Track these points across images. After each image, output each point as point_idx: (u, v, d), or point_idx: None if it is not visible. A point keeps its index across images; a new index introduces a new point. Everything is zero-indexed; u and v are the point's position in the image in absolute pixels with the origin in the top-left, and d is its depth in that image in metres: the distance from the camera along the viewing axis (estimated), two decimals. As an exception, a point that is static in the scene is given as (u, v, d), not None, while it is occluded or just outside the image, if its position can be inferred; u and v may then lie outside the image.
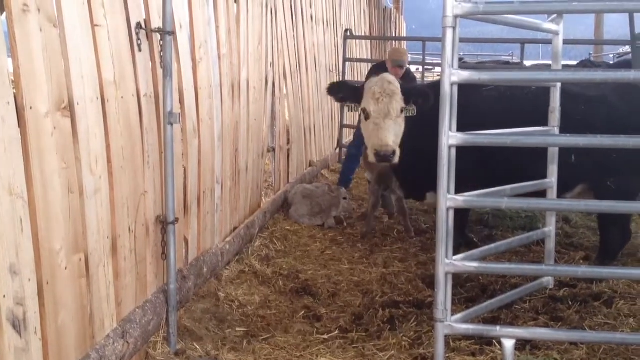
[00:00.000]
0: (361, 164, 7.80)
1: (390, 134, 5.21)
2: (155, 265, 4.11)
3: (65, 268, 3.05)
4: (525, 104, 5.24)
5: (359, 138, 7.87)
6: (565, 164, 4.74)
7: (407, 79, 7.86)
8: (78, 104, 3.14)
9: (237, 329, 4.44)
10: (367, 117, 5.38)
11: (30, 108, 2.75)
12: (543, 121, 4.55)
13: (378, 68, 8.00)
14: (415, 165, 5.41)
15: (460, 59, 17.38)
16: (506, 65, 13.89)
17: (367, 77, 8.01)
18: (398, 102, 5.28)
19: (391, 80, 5.37)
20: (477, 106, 5.18)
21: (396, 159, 5.24)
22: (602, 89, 5.28)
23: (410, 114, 5.33)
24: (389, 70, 7.57)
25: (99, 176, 3.36)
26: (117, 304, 3.62)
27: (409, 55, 9.47)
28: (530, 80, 4.70)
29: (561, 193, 4.91)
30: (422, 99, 5.29)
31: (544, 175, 4.61)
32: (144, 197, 3.92)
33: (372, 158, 5.30)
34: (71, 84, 3.08)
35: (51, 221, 2.92)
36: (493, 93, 5.42)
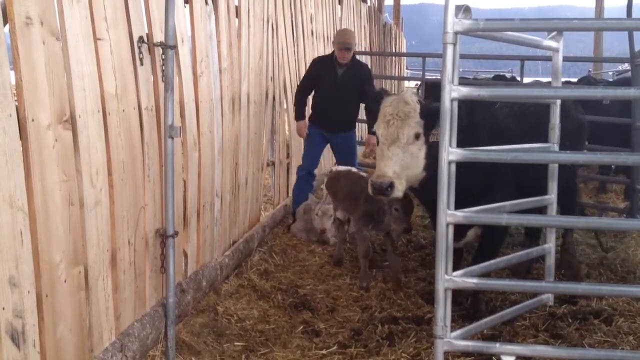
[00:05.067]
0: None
1: (392, 163, 4.36)
2: (155, 279, 4.10)
3: (65, 281, 3.04)
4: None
5: (305, 158, 7.66)
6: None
7: (357, 66, 7.56)
8: (79, 116, 3.15)
9: (236, 343, 4.42)
10: (377, 142, 4.62)
11: (32, 120, 2.76)
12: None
13: (323, 59, 7.70)
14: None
15: (470, 77, 17.45)
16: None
17: (310, 70, 7.63)
18: (412, 126, 4.40)
19: (409, 101, 4.49)
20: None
21: (396, 193, 4.37)
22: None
23: (436, 139, 4.34)
24: (336, 54, 7.33)
25: (100, 189, 3.36)
26: (116, 317, 3.61)
27: (409, 71, 9.33)
28: (531, 97, 4.71)
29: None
30: None
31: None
32: (144, 210, 3.92)
33: (369, 189, 4.47)
34: (73, 96, 3.09)
35: (51, 234, 2.92)
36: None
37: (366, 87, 7.52)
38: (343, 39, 7.35)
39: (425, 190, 4.60)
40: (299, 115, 7.47)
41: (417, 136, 4.42)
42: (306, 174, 7.62)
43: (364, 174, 6.38)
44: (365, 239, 5.82)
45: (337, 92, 7.29)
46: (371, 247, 5.91)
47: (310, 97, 7.65)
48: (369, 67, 8.55)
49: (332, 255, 6.49)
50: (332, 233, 6.89)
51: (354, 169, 6.64)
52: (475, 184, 4.49)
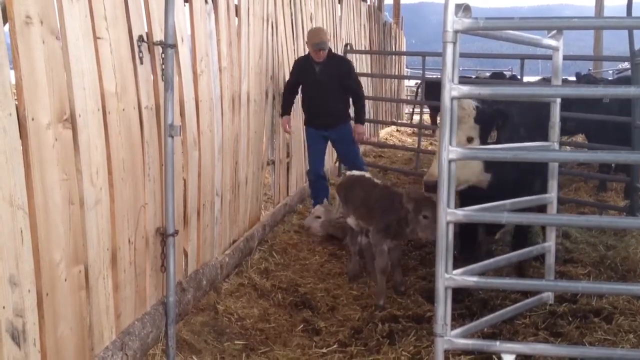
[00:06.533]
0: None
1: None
2: (155, 278, 4.10)
3: (65, 280, 3.04)
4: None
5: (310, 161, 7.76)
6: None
7: (335, 61, 7.50)
8: (79, 115, 3.15)
9: (236, 342, 4.43)
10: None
11: (32, 119, 2.76)
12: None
13: (301, 59, 7.68)
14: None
15: (472, 77, 17.47)
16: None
17: (291, 71, 7.61)
18: (463, 130, 4.53)
19: (464, 107, 4.60)
20: None
21: None
22: None
23: (492, 140, 4.67)
24: (311, 55, 7.31)
25: (100, 188, 3.36)
26: (116, 316, 3.61)
27: (408, 70, 9.24)
28: (532, 96, 4.70)
29: None
30: (501, 120, 4.71)
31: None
32: (144, 209, 3.92)
33: (423, 187, 4.65)
34: (73, 95, 3.09)
35: (51, 232, 2.92)
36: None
37: (347, 81, 7.47)
38: (315, 40, 7.26)
39: (491, 193, 4.53)
40: (283, 111, 7.53)
41: (469, 140, 4.60)
42: (316, 179, 7.69)
43: (378, 182, 5.99)
44: (384, 253, 5.29)
45: (318, 89, 7.36)
46: (389, 261, 5.37)
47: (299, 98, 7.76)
48: (352, 62, 8.44)
49: (333, 253, 6.50)
50: (318, 231, 6.81)
51: (367, 174, 6.28)
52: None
